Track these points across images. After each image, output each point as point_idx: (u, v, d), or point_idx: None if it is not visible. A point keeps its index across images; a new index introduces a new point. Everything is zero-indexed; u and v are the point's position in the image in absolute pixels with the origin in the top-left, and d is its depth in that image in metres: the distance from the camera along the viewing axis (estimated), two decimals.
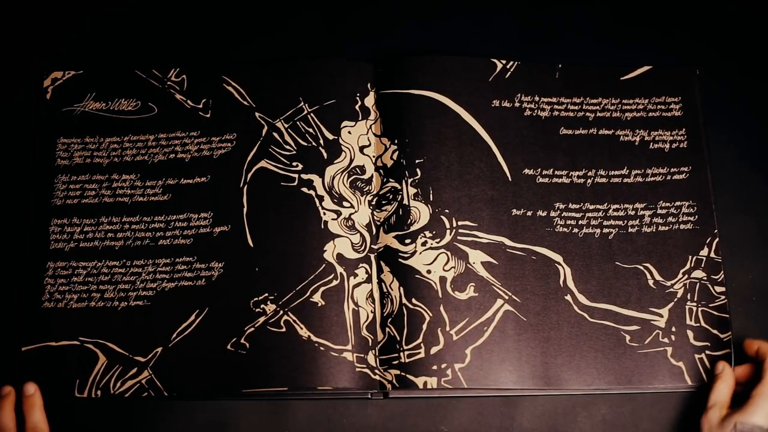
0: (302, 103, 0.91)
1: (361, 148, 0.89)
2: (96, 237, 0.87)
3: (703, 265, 0.87)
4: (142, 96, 0.91)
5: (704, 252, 0.87)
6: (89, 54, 0.94)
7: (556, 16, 0.97)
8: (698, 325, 0.85)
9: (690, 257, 0.87)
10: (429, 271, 0.85)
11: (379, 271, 0.86)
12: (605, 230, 0.87)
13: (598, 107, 0.91)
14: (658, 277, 0.86)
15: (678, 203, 0.88)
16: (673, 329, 0.85)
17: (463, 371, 0.82)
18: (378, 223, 0.87)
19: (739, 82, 0.94)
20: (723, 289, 0.86)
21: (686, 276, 0.86)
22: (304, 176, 0.88)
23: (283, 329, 0.84)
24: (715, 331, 0.85)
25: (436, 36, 0.95)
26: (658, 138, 0.90)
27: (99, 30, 0.95)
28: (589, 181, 0.89)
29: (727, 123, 0.93)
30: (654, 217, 0.88)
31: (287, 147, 0.89)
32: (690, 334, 0.85)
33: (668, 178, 0.89)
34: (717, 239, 0.87)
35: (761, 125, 0.93)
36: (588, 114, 0.91)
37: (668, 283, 0.86)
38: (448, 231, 0.86)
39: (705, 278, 0.86)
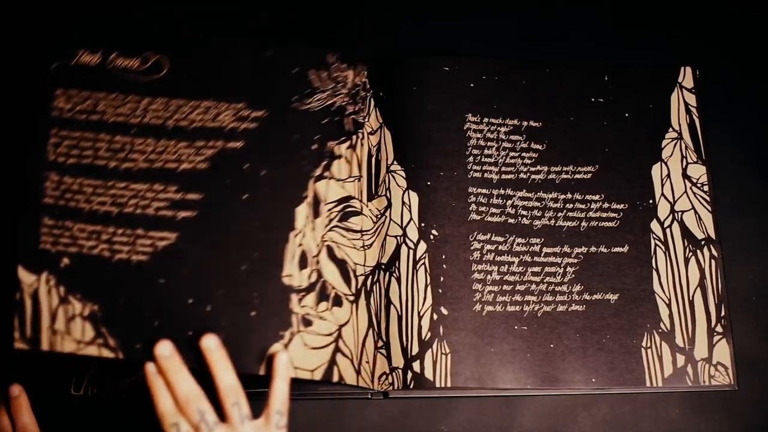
0: None
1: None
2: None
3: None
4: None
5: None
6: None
7: (556, 16, 0.97)
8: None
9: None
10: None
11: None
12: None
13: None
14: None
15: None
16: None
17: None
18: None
19: (738, 81, 0.94)
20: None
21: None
22: None
23: None
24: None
25: (437, 37, 0.96)
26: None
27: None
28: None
29: (727, 123, 0.93)
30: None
31: None
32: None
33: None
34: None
35: (761, 125, 0.93)
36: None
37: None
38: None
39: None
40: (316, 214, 0.85)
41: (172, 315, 0.81)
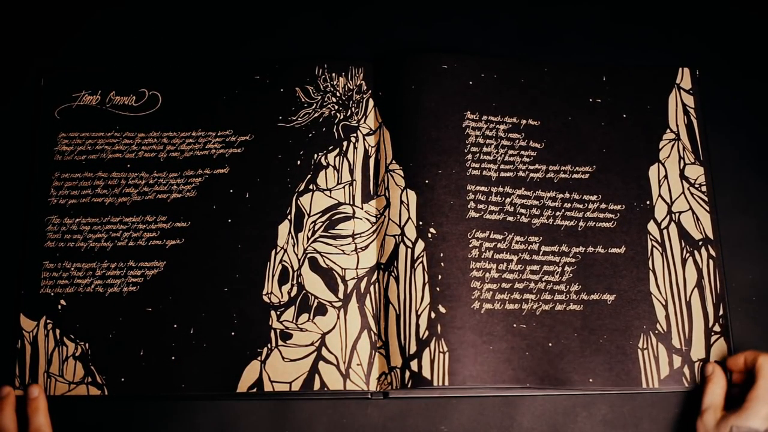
0: None
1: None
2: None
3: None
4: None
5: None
6: (88, 53, 0.95)
7: (556, 16, 0.97)
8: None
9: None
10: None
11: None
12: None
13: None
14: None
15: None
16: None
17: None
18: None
19: (738, 82, 0.94)
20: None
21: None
22: None
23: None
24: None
25: (436, 36, 0.96)
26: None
27: (99, 30, 0.96)
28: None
29: (726, 123, 0.93)
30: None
31: None
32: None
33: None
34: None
35: (761, 125, 0.93)
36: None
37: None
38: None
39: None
40: (298, 228, 0.86)
41: (157, 341, 0.83)
